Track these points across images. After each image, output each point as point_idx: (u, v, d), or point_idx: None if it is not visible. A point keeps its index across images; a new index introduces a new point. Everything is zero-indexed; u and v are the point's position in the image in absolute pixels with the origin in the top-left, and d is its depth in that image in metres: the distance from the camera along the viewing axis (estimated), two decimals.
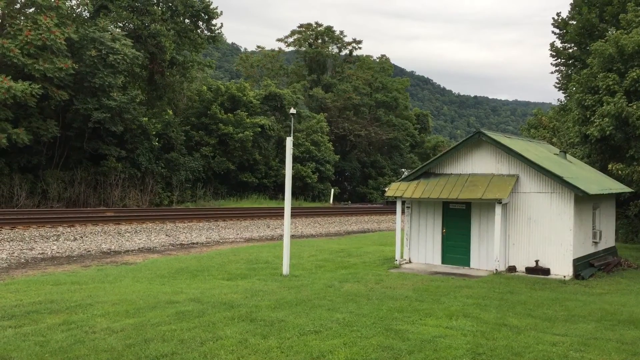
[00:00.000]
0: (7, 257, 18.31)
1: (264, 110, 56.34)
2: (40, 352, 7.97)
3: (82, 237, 23.75)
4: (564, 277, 16.16)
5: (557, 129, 35.41)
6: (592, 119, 24.33)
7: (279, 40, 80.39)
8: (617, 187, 21.47)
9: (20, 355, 7.81)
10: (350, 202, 65.86)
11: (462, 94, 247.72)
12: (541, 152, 19.78)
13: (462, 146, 18.23)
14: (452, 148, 18.68)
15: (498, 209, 16.58)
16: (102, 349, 8.18)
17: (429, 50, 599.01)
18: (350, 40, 79.98)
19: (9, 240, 21.81)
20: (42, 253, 19.58)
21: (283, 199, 17.68)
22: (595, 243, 18.70)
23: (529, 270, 16.60)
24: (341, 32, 79.17)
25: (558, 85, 36.49)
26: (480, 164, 17.87)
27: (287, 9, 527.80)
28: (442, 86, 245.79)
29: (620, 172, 23.44)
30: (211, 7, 46.21)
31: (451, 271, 17.02)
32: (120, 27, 43.59)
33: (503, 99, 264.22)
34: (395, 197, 18.36)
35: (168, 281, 14.60)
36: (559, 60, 35.45)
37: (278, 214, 37.89)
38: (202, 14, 46.32)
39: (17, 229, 24.70)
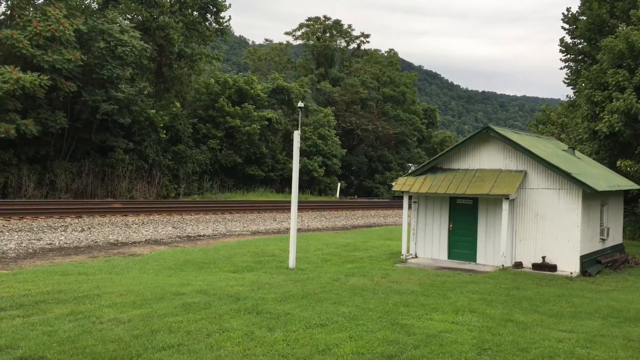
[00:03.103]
0: (16, 247, 18.44)
1: (272, 103, 56.29)
2: (48, 342, 8.02)
3: (89, 228, 23.86)
4: (571, 273, 16.11)
5: (565, 125, 35.23)
6: (601, 115, 24.20)
7: (287, 33, 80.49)
8: (626, 184, 21.36)
9: (28, 345, 7.86)
10: (356, 197, 65.82)
11: (470, 89, 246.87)
12: (549, 148, 19.69)
13: (470, 141, 18.18)
14: (460, 143, 18.63)
15: (505, 205, 16.53)
16: (109, 339, 8.23)
17: (437, 46, 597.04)
18: (359, 34, 79.75)
19: (17, 230, 21.95)
20: (50, 243, 19.69)
21: (289, 192, 17.71)
22: (603, 240, 18.63)
23: (535, 266, 16.56)
24: (349, 26, 78.95)
25: (567, 81, 36.30)
26: (488, 159, 17.82)
27: (295, 3, 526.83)
28: (450, 81, 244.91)
29: (629, 168, 23.33)
30: None
31: (457, 266, 17.00)
32: (128, 19, 43.61)
33: (511, 94, 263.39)
34: (402, 192, 18.35)
35: (175, 273, 14.66)
36: (569, 56, 35.25)
37: (284, 207, 37.93)
38: (211, 7, 46.27)
39: (25, 220, 24.84)
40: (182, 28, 44.84)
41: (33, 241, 19.83)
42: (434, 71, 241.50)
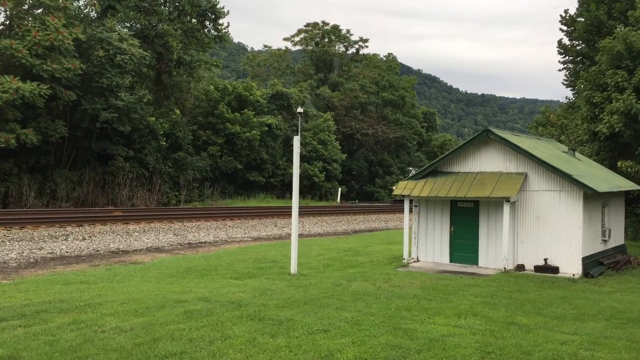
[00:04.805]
0: (17, 257, 18.42)
1: (271, 109, 56.37)
2: (50, 352, 8.00)
3: (90, 237, 23.85)
4: (573, 275, 16.08)
5: (565, 126, 35.24)
6: (601, 116, 24.20)
7: (285, 39, 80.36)
8: (627, 185, 21.34)
9: (30, 355, 7.84)
10: (357, 201, 65.81)
11: (469, 92, 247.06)
12: (549, 150, 19.68)
13: (470, 144, 18.18)
14: (460, 146, 18.63)
15: (506, 207, 16.51)
16: (111, 348, 8.21)
17: (436, 49, 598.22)
18: (357, 39, 79.88)
19: (18, 240, 21.94)
20: (52, 253, 19.67)
21: (290, 198, 17.72)
22: (605, 241, 18.59)
23: (537, 268, 16.53)
24: (348, 31, 79.08)
25: (566, 83, 36.30)
26: (488, 162, 17.81)
27: (293, 9, 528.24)
28: (449, 84, 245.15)
29: (629, 169, 23.30)
30: (218, 6, 46.29)
31: (459, 270, 16.97)
32: (127, 27, 43.70)
33: (510, 96, 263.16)
34: (403, 196, 18.33)
35: (176, 280, 14.64)
36: (567, 57, 35.26)
37: (285, 212, 37.91)
38: (209, 14, 46.38)
39: (26, 229, 24.83)
40: (180, 35, 44.96)
41: (34, 250, 19.81)
42: (433, 75, 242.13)
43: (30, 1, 35.52)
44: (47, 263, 17.80)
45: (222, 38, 48.94)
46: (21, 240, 21.94)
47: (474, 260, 17.64)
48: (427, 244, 18.54)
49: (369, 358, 8.01)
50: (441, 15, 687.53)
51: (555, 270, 16.31)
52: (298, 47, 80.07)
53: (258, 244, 24.48)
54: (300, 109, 52.24)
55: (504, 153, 17.54)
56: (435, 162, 18.84)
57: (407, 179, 19.07)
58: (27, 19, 35.39)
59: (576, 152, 22.61)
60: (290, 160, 52.63)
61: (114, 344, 8.39)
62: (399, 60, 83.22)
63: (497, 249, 17.12)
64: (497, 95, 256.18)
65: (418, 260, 18.54)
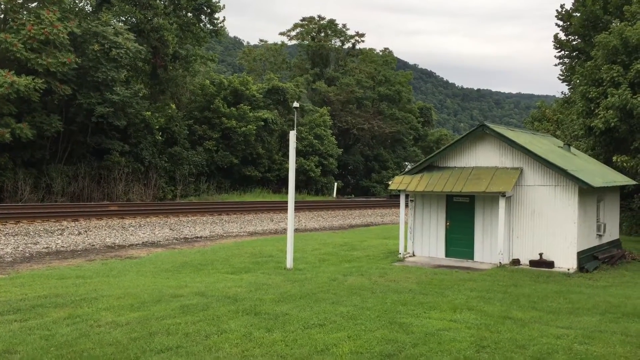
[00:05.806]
0: (12, 252, 18.38)
1: (267, 104, 56.24)
2: (46, 346, 8.00)
3: (86, 232, 23.81)
4: (568, 270, 16.15)
5: (561, 121, 35.31)
6: (597, 111, 24.25)
7: (281, 34, 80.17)
8: (622, 180, 21.42)
9: (26, 349, 7.84)
10: (353, 196, 65.83)
11: (465, 86, 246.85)
12: (545, 145, 19.72)
13: (466, 139, 18.20)
14: (456, 141, 18.65)
15: (502, 202, 16.55)
16: (107, 342, 8.22)
17: (432, 44, 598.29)
18: (353, 33, 79.68)
19: (13, 234, 21.88)
20: (47, 247, 19.64)
21: (286, 192, 17.73)
22: (600, 236, 18.67)
23: (532, 263, 16.59)
24: (344, 26, 78.83)
25: (562, 78, 36.37)
26: (484, 157, 17.84)
27: (289, 3, 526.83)
28: (445, 79, 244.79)
29: (624, 164, 23.39)
30: (213, 0, 46.11)
31: (455, 264, 17.02)
32: (122, 21, 43.52)
33: (506, 91, 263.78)
34: (399, 191, 18.35)
35: (172, 275, 14.64)
36: (563, 52, 35.32)
37: (281, 207, 37.90)
38: (205, 8, 46.22)
39: (21, 224, 24.76)
40: (176, 29, 44.78)
41: (30, 245, 19.77)
42: (429, 69, 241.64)
43: None
44: (43, 258, 17.77)
45: (218, 32, 48.79)
46: (16, 234, 21.89)
47: (470, 255, 17.69)
48: (422, 239, 18.58)
49: (365, 352, 8.04)
50: (438, 11, 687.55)
51: (550, 264, 16.37)
52: (294, 42, 79.91)
53: (254, 238, 24.48)
54: (296, 104, 51.88)
55: (499, 148, 17.57)
56: (431, 157, 18.85)
57: (403, 174, 19.08)
58: (22, 12, 35.20)
59: (571, 147, 22.65)
60: (286, 155, 52.61)
61: (110, 338, 8.40)
62: (395, 55, 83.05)
63: (493, 244, 17.17)
64: (493, 90, 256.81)
65: (414, 255, 18.59)
